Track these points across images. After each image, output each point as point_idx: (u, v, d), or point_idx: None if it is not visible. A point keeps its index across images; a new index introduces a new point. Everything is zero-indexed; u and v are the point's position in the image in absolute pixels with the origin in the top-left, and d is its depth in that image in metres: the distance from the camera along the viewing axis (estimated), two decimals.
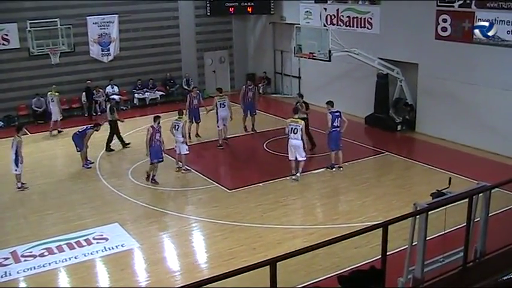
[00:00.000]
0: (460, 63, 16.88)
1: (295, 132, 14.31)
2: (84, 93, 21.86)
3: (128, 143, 17.92)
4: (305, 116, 15.86)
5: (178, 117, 15.56)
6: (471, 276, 6.88)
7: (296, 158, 14.45)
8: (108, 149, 17.59)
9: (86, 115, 21.91)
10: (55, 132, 19.73)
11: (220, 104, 17.58)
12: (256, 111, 19.20)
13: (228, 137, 18.61)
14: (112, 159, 16.98)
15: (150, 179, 14.60)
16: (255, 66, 26.20)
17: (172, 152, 15.98)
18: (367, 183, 14.48)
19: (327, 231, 11.46)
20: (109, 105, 18.40)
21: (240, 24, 25.70)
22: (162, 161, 14.78)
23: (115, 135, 17.81)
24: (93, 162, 16.29)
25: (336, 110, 15.15)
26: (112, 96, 22.40)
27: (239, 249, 11.01)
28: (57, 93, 20.14)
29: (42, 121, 21.19)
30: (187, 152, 15.39)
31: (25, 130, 15.00)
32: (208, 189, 14.28)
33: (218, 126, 17.62)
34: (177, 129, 15.31)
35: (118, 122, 17.86)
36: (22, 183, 14.60)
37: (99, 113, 21.90)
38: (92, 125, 16.59)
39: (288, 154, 14.65)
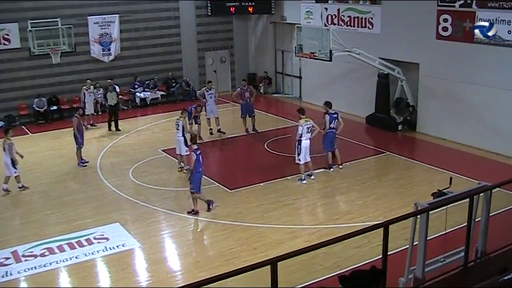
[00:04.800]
0: (461, 63, 16.87)
1: (309, 131, 14.27)
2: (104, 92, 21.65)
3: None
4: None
5: (180, 116, 15.51)
6: (472, 276, 6.88)
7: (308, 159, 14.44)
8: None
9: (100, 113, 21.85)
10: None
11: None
12: (255, 111, 19.21)
13: (229, 136, 18.68)
14: (113, 159, 16.98)
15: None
16: (256, 66, 26.21)
17: (173, 152, 15.98)
18: (368, 183, 14.47)
19: (328, 231, 11.47)
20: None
21: (241, 24, 25.70)
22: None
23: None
24: (88, 161, 16.32)
25: (334, 112, 15.12)
26: None
27: (240, 249, 11.02)
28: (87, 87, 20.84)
29: (43, 121, 21.25)
30: (188, 153, 15.38)
31: (12, 132, 14.69)
32: (210, 189, 14.27)
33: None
34: (178, 128, 15.26)
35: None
36: (23, 184, 14.56)
37: (100, 113, 21.85)
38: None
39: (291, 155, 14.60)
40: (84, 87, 20.36)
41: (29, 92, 21.34)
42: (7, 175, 14.33)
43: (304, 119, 14.33)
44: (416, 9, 17.90)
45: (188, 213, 12.64)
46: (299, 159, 14.35)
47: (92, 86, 20.50)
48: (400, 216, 6.54)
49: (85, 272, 10.50)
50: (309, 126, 14.27)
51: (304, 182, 14.38)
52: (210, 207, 12.78)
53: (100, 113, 21.72)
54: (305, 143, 14.25)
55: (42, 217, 12.92)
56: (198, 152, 12.51)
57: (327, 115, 15.02)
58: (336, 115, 15.06)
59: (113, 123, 19.86)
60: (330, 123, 14.95)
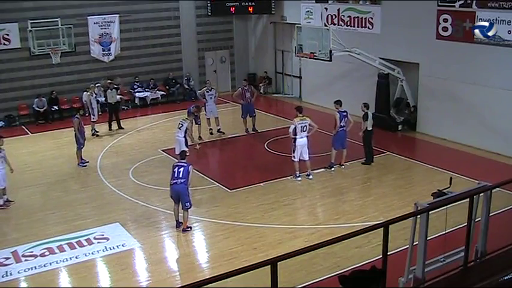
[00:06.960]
0: (461, 63, 16.87)
1: (304, 130, 14.28)
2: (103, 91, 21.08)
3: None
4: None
5: (186, 118, 15.49)
6: (472, 276, 6.87)
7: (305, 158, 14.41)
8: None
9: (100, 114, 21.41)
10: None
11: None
12: (256, 111, 19.20)
13: (229, 136, 18.67)
14: (113, 159, 16.98)
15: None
16: (256, 66, 26.21)
17: (173, 152, 15.97)
18: (368, 183, 14.49)
19: (328, 231, 11.47)
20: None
21: (241, 24, 25.70)
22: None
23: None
24: (88, 161, 16.30)
25: (344, 110, 15.17)
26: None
27: (240, 249, 11.02)
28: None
29: (43, 121, 21.25)
30: (188, 154, 15.34)
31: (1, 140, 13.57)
32: (209, 189, 14.28)
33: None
34: (180, 128, 15.23)
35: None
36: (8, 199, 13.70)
37: (100, 113, 21.71)
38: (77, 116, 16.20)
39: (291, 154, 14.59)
40: (88, 93, 19.53)
41: (29, 92, 21.34)
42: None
43: (299, 117, 14.35)
44: (416, 9, 17.89)
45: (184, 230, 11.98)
46: (293, 156, 14.42)
47: (96, 89, 19.93)
48: (400, 216, 6.53)
49: (85, 272, 10.50)
50: (303, 125, 14.26)
51: (299, 179, 14.40)
52: (178, 227, 12.08)
53: (100, 113, 21.66)
54: (300, 141, 14.26)
55: (42, 217, 12.91)
56: (343, 114, 14.76)
57: (337, 113, 15.09)
58: (345, 113, 15.13)
59: (114, 123, 19.81)
60: (340, 122, 15.01)
